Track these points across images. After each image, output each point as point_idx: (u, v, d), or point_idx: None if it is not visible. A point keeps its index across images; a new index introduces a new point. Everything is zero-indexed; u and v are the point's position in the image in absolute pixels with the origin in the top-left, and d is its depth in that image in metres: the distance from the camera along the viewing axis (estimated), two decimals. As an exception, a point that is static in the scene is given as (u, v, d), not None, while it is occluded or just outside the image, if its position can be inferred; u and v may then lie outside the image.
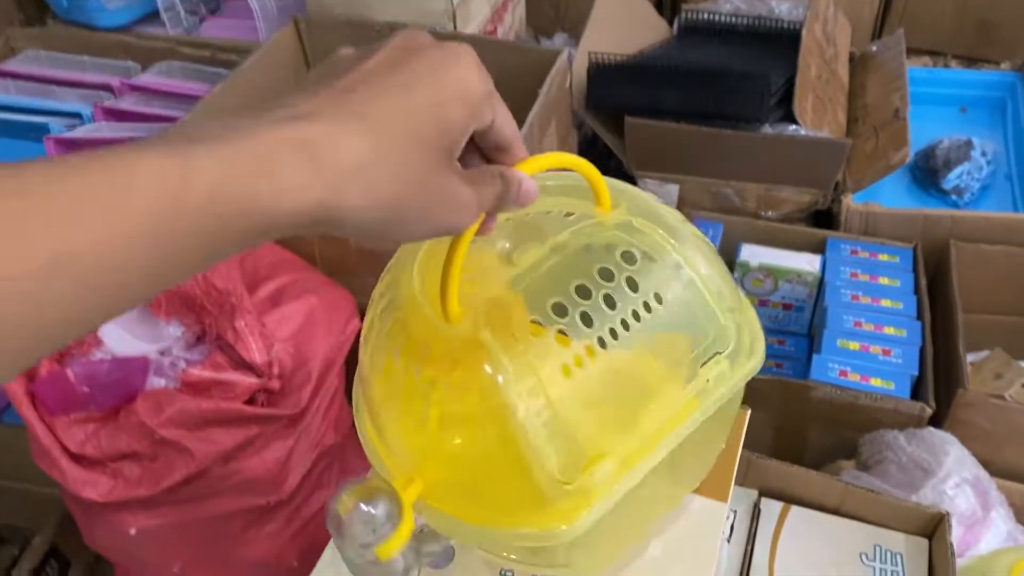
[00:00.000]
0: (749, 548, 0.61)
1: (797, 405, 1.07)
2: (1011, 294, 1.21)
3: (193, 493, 0.87)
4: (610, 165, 1.35)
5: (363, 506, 0.39)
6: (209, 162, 0.26)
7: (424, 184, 0.31)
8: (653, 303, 0.42)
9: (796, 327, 1.25)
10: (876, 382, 1.04)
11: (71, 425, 0.86)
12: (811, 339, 1.24)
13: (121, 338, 0.92)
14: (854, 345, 1.09)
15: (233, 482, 0.88)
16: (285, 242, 1.06)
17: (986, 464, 0.97)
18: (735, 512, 0.63)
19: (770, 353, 1.22)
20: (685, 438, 0.43)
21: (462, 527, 0.42)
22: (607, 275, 0.41)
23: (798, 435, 1.11)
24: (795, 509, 0.64)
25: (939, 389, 1.03)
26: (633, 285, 0.42)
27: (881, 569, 0.59)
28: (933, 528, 0.61)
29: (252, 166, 0.27)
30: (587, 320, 0.41)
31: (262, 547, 0.93)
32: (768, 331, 1.26)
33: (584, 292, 0.41)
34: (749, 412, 0.56)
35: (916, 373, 1.05)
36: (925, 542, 0.61)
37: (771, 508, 0.64)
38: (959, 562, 0.92)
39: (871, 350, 1.08)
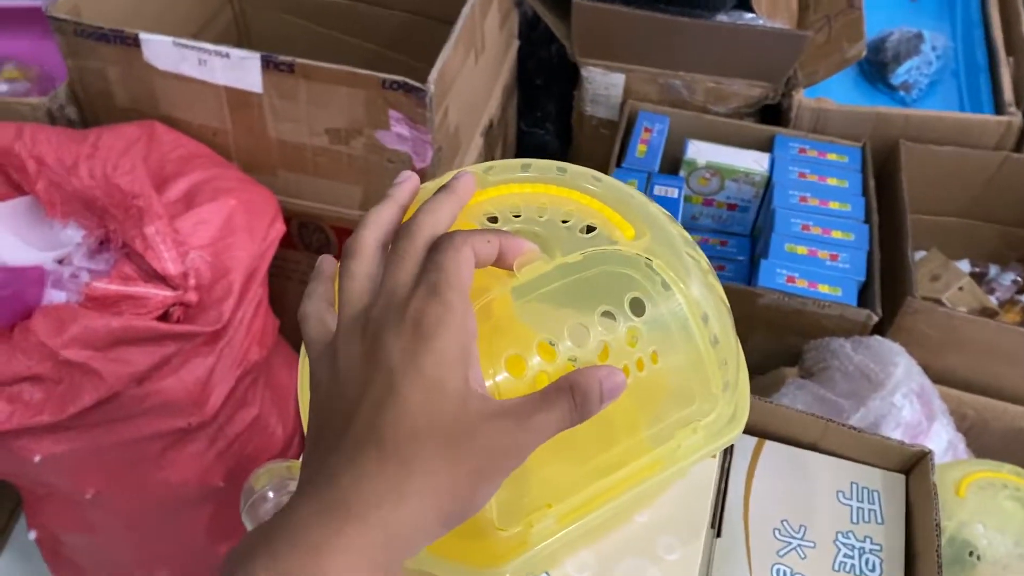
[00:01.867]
0: (723, 486, 0.58)
1: (742, 311, 1.04)
2: (954, 195, 1.19)
3: (104, 417, 0.79)
4: (551, 50, 1.26)
5: (270, 493, 0.35)
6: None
7: (469, 468, 0.31)
8: (648, 362, 0.37)
9: (739, 228, 1.21)
10: (823, 288, 1.02)
11: (-43, 345, 0.76)
12: (753, 239, 1.20)
13: (11, 245, 0.81)
14: (801, 250, 1.06)
15: (149, 404, 0.80)
16: (194, 131, 0.95)
17: (925, 369, 0.97)
18: (707, 448, 0.60)
19: (712, 255, 1.19)
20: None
21: None
22: (609, 320, 0.36)
23: (740, 340, 1.08)
24: (769, 444, 0.60)
25: (885, 295, 1.02)
26: (633, 338, 0.37)
27: (859, 508, 0.57)
28: (911, 465, 0.58)
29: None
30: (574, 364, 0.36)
31: (184, 469, 0.86)
32: (711, 231, 1.22)
33: (579, 334, 0.36)
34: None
35: (863, 278, 1.03)
36: (902, 478, 0.59)
37: (745, 443, 0.60)
38: (901, 472, 0.93)
39: (818, 255, 1.05)
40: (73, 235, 0.84)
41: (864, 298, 1.02)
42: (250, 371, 0.88)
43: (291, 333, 1.02)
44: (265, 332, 0.90)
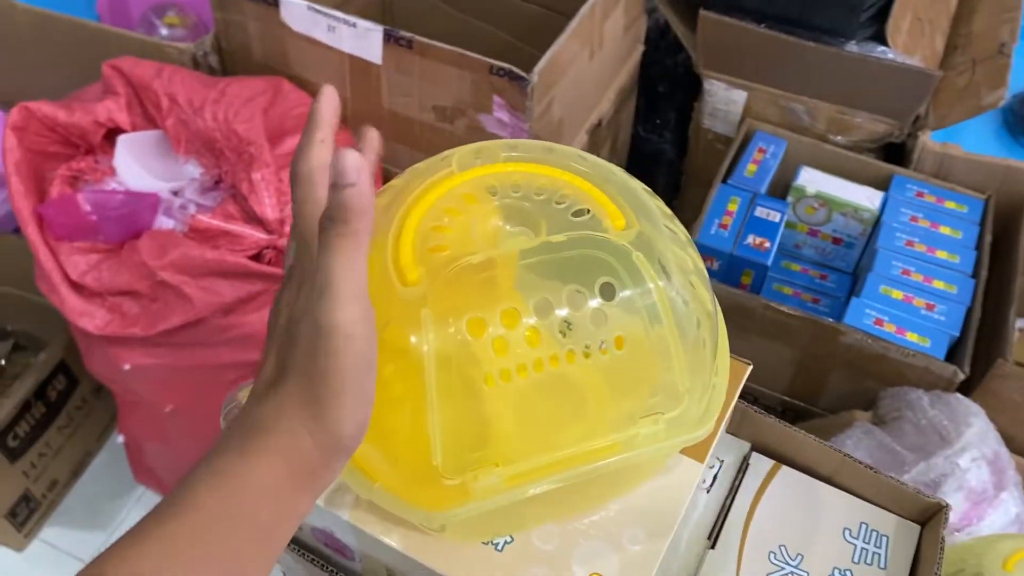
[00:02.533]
0: (728, 502, 0.58)
1: (824, 347, 1.02)
2: (1081, 265, 1.12)
3: (189, 339, 0.86)
4: (678, 59, 1.26)
5: None
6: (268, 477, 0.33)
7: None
8: (611, 347, 0.38)
9: (842, 263, 1.18)
10: (912, 336, 0.98)
11: (74, 253, 0.84)
12: (855, 278, 1.17)
13: (135, 172, 0.89)
14: (897, 294, 1.02)
15: (231, 335, 0.87)
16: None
17: (1008, 439, 0.92)
18: (722, 462, 0.60)
19: (809, 287, 1.16)
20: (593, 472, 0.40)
21: None
22: (577, 301, 0.38)
23: (819, 376, 1.06)
24: (785, 470, 0.60)
25: (977, 354, 0.97)
26: (599, 320, 0.38)
27: (863, 549, 0.56)
28: (928, 516, 0.57)
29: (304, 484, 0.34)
30: (532, 341, 0.37)
31: (254, 401, 0.93)
32: (812, 263, 1.20)
33: (544, 308, 0.37)
34: (750, 368, 0.52)
35: (956, 334, 0.98)
36: (916, 528, 0.57)
37: (760, 464, 0.60)
38: (956, 537, 0.89)
39: (914, 302, 1.01)
40: (192, 171, 0.92)
41: (954, 354, 0.98)
42: (328, 321, 0.93)
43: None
44: (348, 288, 0.95)
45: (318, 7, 0.93)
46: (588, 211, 0.40)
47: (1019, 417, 0.94)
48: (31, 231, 0.84)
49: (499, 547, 0.44)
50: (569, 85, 0.96)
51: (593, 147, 1.11)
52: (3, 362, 1.24)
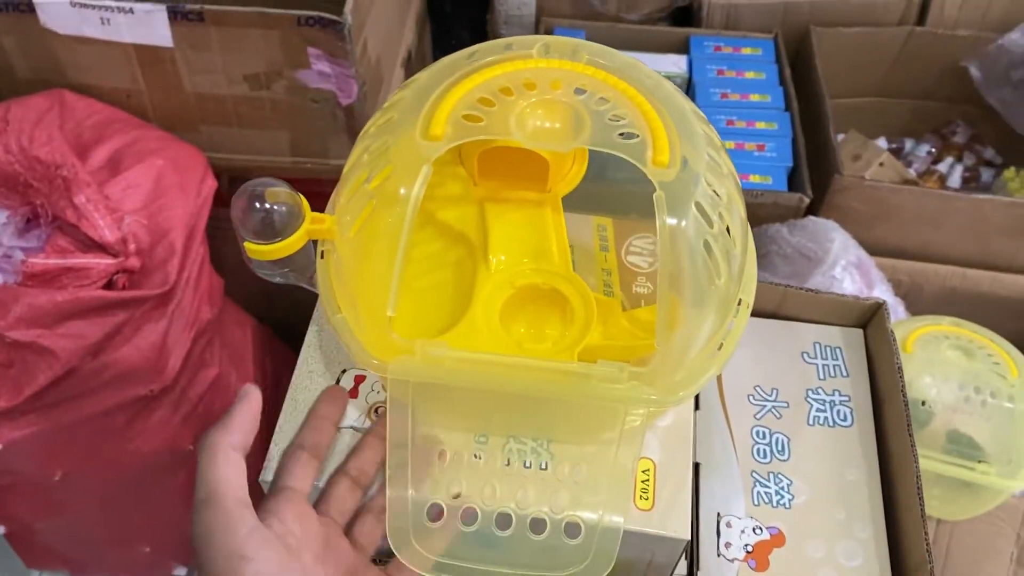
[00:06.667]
0: (694, 364, 0.60)
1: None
2: (866, 75, 1.23)
3: (64, 395, 0.77)
4: (457, -24, 1.24)
5: (265, 204, 0.40)
6: None
7: None
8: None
9: (666, 132, 1.23)
10: (754, 179, 1.05)
11: None
12: (681, 142, 1.22)
13: (-67, 233, 0.77)
14: (729, 144, 1.08)
15: (107, 376, 0.78)
16: (105, 96, 0.91)
17: (859, 242, 1.01)
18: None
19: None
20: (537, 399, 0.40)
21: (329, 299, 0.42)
22: None
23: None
24: (732, 319, 0.62)
25: (812, 176, 1.05)
26: None
27: (824, 365, 0.60)
28: (868, 318, 0.61)
29: None
30: None
31: (152, 438, 0.85)
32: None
33: None
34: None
35: (790, 164, 1.06)
36: (860, 332, 0.62)
37: (709, 321, 0.62)
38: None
39: (746, 147, 1.08)
40: (-3, 217, 0.81)
41: (794, 182, 1.05)
42: (204, 331, 0.86)
43: (234, 291, 1.00)
44: (213, 291, 0.89)
45: (83, 0, 0.83)
46: (638, 136, 0.39)
47: (863, 223, 1.03)
48: None
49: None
50: (377, 21, 0.92)
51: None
52: None
